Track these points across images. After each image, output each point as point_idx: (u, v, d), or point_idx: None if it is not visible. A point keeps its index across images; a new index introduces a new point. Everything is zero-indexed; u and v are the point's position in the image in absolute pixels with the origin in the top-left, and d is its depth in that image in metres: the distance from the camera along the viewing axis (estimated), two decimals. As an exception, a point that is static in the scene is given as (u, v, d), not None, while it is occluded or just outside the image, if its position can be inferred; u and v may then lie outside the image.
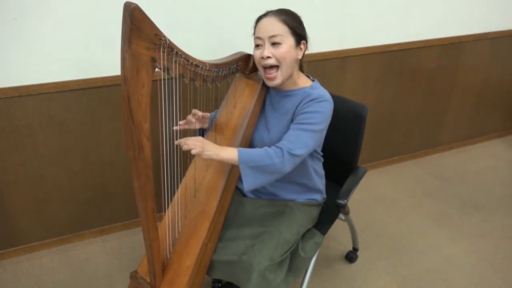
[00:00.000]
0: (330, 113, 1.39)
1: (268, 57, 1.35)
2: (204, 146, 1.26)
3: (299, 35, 1.37)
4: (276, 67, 1.37)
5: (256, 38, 1.38)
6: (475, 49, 2.67)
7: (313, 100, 1.35)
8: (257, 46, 1.39)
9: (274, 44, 1.34)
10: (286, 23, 1.34)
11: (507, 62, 2.86)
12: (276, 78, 1.38)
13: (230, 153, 1.29)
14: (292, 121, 1.39)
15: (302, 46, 1.39)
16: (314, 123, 1.34)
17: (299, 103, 1.38)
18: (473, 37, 2.60)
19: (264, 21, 1.36)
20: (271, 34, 1.33)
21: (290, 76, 1.41)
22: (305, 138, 1.32)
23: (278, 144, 1.32)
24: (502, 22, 2.67)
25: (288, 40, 1.35)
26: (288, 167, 1.31)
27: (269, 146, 1.37)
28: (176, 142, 1.25)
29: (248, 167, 1.28)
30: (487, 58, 2.76)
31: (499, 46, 2.75)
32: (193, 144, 1.24)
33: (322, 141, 1.50)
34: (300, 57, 1.40)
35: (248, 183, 1.30)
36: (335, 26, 2.19)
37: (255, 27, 1.39)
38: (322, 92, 1.40)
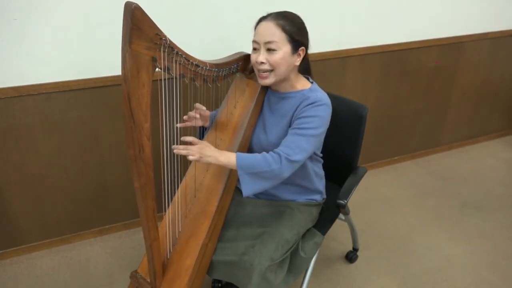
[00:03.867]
0: (329, 116, 1.38)
1: (263, 62, 1.33)
2: (202, 152, 1.25)
3: (297, 41, 1.33)
4: (270, 70, 1.35)
5: (253, 41, 1.36)
6: (475, 49, 2.67)
7: (311, 104, 1.34)
8: (254, 49, 1.37)
9: (269, 50, 1.32)
10: (283, 29, 1.30)
11: (506, 62, 2.86)
12: (268, 78, 1.37)
13: (228, 158, 1.29)
14: (290, 124, 1.38)
15: (300, 52, 1.36)
16: (312, 127, 1.33)
17: (297, 107, 1.36)
18: (472, 37, 2.60)
19: (262, 25, 1.33)
20: (267, 40, 1.31)
21: (287, 79, 1.40)
22: (303, 143, 1.32)
23: (276, 150, 1.32)
24: (501, 22, 2.67)
25: (284, 47, 1.31)
26: (286, 173, 1.31)
27: (267, 148, 1.38)
28: (173, 147, 1.23)
29: (246, 173, 1.29)
30: (487, 58, 2.76)
31: (499, 46, 2.75)
32: (192, 151, 1.24)
33: (322, 143, 1.49)
34: (297, 63, 1.37)
35: (247, 189, 1.31)
36: (335, 26, 2.19)
37: (255, 28, 1.37)
38: (321, 95, 1.38)
